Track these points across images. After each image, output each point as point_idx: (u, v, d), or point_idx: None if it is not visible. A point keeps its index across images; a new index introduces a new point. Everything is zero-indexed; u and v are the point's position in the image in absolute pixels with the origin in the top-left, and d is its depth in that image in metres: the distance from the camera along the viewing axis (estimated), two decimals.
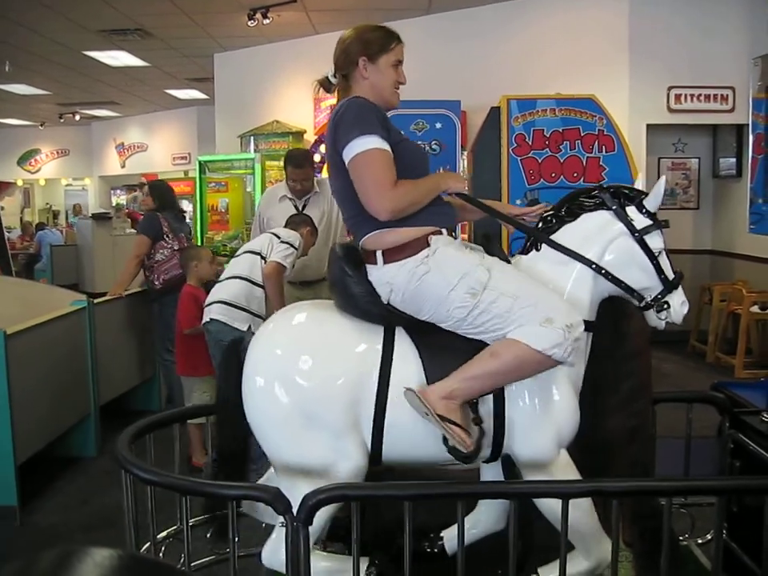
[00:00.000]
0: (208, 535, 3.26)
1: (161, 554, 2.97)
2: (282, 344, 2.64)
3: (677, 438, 4.00)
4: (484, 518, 2.92)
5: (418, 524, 2.87)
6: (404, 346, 2.57)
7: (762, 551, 2.39)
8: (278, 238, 4.44)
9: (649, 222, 2.68)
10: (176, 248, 5.86)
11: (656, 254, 2.67)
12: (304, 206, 5.00)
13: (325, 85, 2.76)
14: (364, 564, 2.65)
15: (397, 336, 2.59)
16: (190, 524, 2.62)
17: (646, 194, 2.71)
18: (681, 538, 3.30)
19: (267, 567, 2.62)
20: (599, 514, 2.92)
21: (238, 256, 4.62)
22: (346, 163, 2.50)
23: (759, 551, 2.50)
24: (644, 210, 2.69)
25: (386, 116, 2.61)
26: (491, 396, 2.53)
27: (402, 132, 2.73)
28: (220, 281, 4.56)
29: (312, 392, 2.50)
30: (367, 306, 2.58)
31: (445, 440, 2.43)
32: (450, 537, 2.93)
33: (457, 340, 2.54)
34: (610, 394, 3.00)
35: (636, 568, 3.09)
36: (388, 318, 2.59)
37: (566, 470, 2.60)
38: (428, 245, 2.52)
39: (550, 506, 2.51)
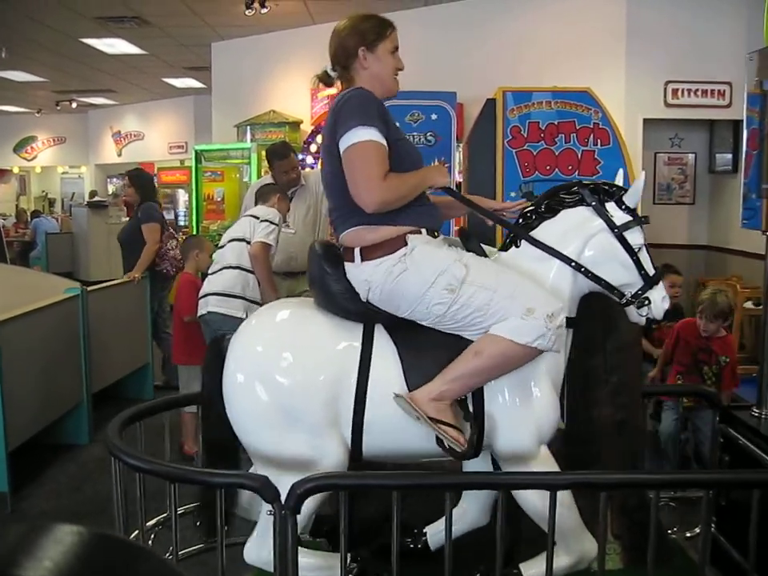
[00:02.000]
0: (197, 523, 3.27)
1: (149, 542, 2.97)
2: (263, 341, 2.64)
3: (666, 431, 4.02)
4: (468, 512, 2.91)
5: (401, 520, 2.89)
6: (383, 343, 2.57)
7: (749, 545, 2.39)
8: (257, 218, 4.45)
9: (629, 217, 2.67)
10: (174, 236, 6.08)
11: (636, 250, 2.66)
12: (290, 200, 4.99)
13: (324, 79, 2.76)
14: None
15: (376, 333, 2.58)
16: (179, 512, 2.62)
17: (626, 190, 2.71)
18: (669, 531, 3.31)
19: (250, 564, 2.61)
20: (587, 506, 2.94)
21: (222, 246, 4.62)
22: (341, 152, 2.49)
23: (747, 545, 2.51)
24: (624, 207, 2.68)
25: (387, 111, 2.60)
26: (470, 392, 2.53)
27: (401, 130, 2.73)
28: (211, 272, 4.57)
29: (291, 389, 2.50)
30: (346, 304, 2.58)
31: (439, 441, 2.43)
32: (432, 533, 2.93)
33: (435, 336, 2.54)
34: (600, 386, 3.02)
35: (624, 560, 3.10)
36: (367, 316, 2.59)
37: (546, 465, 2.60)
38: (405, 243, 2.51)
39: (530, 501, 2.51)
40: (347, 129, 2.46)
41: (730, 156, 8.42)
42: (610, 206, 2.68)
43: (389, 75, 2.68)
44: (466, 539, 2.83)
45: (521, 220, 2.75)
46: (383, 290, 2.51)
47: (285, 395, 2.50)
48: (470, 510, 2.91)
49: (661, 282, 2.72)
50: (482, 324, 2.46)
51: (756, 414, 3.08)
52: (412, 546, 2.94)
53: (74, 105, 17.30)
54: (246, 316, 4.27)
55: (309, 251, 2.73)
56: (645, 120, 7.85)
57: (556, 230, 2.68)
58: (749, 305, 7.30)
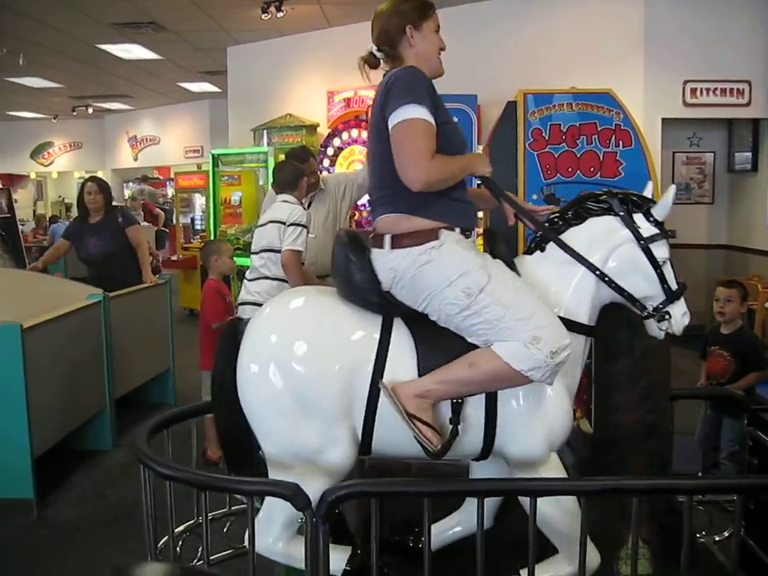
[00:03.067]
0: (225, 530, 3.28)
1: (178, 549, 2.98)
2: (279, 328, 2.62)
3: (694, 435, 3.99)
4: (471, 516, 2.89)
5: (404, 519, 2.88)
6: (401, 336, 2.55)
7: None
8: (283, 223, 4.40)
9: (656, 230, 2.65)
10: None
11: (660, 264, 2.65)
12: (309, 204, 4.98)
13: (370, 61, 2.71)
14: (347, 553, 2.65)
15: (395, 326, 2.57)
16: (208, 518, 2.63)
17: (655, 203, 2.69)
18: (698, 535, 3.29)
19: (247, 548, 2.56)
20: (617, 511, 2.93)
21: (263, 225, 4.57)
22: (390, 128, 2.47)
23: None
24: (651, 219, 2.66)
25: (437, 92, 2.58)
26: (483, 395, 2.52)
27: (449, 113, 2.69)
28: (250, 279, 4.53)
29: (307, 377, 2.50)
30: (367, 294, 2.57)
31: (416, 437, 2.42)
32: (436, 532, 2.90)
33: (453, 335, 2.53)
34: (628, 390, 3.00)
35: (653, 564, 3.09)
36: (387, 308, 2.58)
37: (555, 471, 2.59)
38: (437, 237, 2.51)
39: (540, 508, 2.47)
40: (397, 106, 2.45)
41: (749, 154, 8.38)
42: (638, 218, 2.66)
43: (434, 53, 2.69)
44: (468, 542, 2.80)
45: (548, 225, 2.74)
46: (405, 278, 2.50)
47: (300, 383, 2.49)
48: (473, 514, 2.89)
49: (682, 298, 2.70)
50: (486, 336, 2.44)
51: None
52: (412, 545, 2.94)
53: (91, 110, 17.36)
54: None
55: (335, 239, 2.72)
56: (663, 120, 7.84)
57: (582, 236, 2.66)
58: None
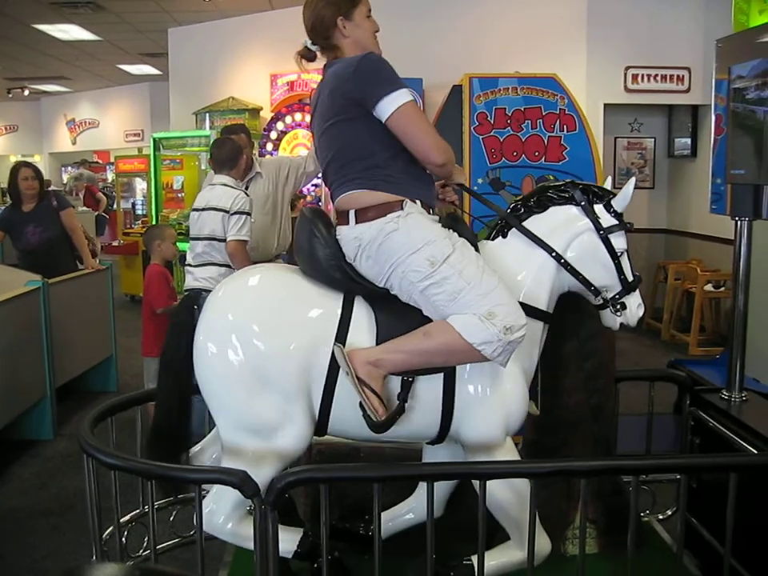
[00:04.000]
0: (171, 518, 3.24)
1: (124, 539, 2.92)
2: (239, 304, 2.60)
3: (637, 416, 4.06)
4: (422, 503, 2.89)
5: (355, 504, 2.87)
6: (362, 314, 2.55)
7: (723, 526, 2.42)
8: (227, 212, 4.34)
9: (615, 221, 2.72)
10: None
11: (618, 254, 2.71)
12: (246, 188, 4.91)
13: (306, 55, 2.71)
14: (298, 534, 2.65)
15: (356, 304, 2.58)
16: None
17: (614, 195, 2.74)
18: (642, 514, 3.35)
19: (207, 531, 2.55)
20: (564, 491, 2.96)
21: (200, 210, 4.51)
22: (389, 114, 2.47)
23: (718, 526, 2.54)
24: (611, 210, 2.72)
25: None
26: (441, 376, 2.53)
27: None
28: (195, 264, 4.48)
29: (266, 353, 2.47)
30: (330, 271, 2.57)
31: (361, 405, 2.42)
32: (386, 519, 2.90)
33: (414, 313, 2.53)
34: (574, 372, 3.04)
35: (599, 544, 3.14)
36: (349, 285, 2.58)
37: (509, 454, 2.61)
38: (401, 208, 2.53)
39: (493, 492, 2.49)
40: (386, 92, 2.47)
41: (688, 140, 8.53)
42: (598, 208, 2.73)
43: (370, 38, 2.68)
44: (418, 528, 2.80)
45: (510, 212, 2.77)
46: (371, 247, 2.51)
47: (259, 359, 2.47)
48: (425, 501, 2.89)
49: (637, 290, 2.76)
50: (444, 309, 2.45)
51: (726, 397, 3.12)
52: (362, 532, 2.94)
53: (26, 92, 16.96)
54: None
55: (299, 216, 2.73)
56: (605, 105, 7.93)
57: (544, 224, 2.72)
58: (709, 287, 7.43)
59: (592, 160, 4.58)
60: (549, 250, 2.68)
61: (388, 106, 2.48)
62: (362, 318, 2.55)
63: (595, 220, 2.70)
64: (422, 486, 2.83)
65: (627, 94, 8.01)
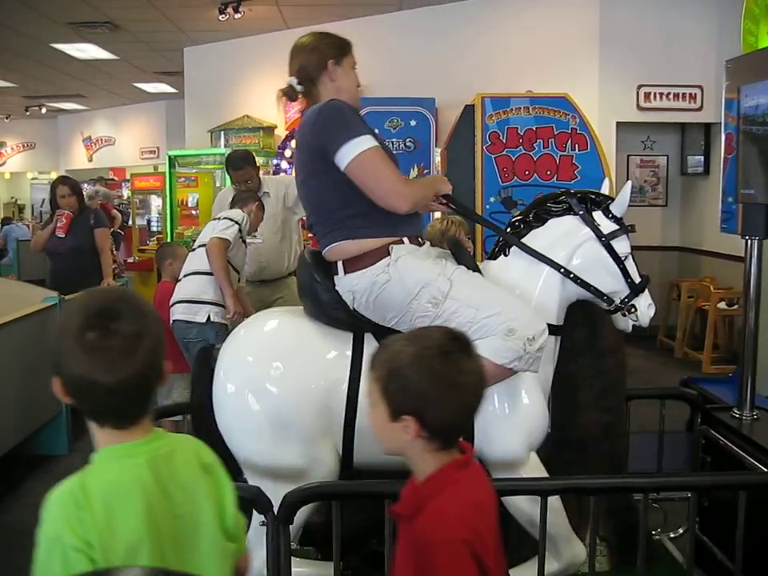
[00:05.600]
0: None
1: None
2: (253, 351, 2.63)
3: (649, 433, 4.06)
4: None
5: (376, 524, 2.87)
6: (373, 351, 2.56)
7: (734, 544, 2.42)
8: (218, 218, 4.42)
9: (615, 226, 2.72)
10: None
11: (622, 258, 2.71)
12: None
13: (289, 93, 2.72)
14: (316, 568, 2.64)
15: (366, 342, 2.59)
16: None
17: (613, 199, 2.74)
18: (653, 532, 3.35)
19: None
20: (575, 509, 2.96)
21: (193, 250, 4.60)
22: (345, 164, 2.45)
23: (729, 544, 2.54)
24: (610, 215, 2.72)
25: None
26: None
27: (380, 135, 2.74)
28: (181, 277, 4.55)
29: (284, 399, 2.49)
30: (336, 313, 2.58)
31: None
32: None
33: None
34: (585, 391, 3.04)
35: (611, 561, 3.13)
36: (356, 325, 2.59)
37: (535, 471, 2.62)
38: (388, 254, 2.51)
39: (520, 507, 2.51)
40: (343, 142, 2.44)
41: (701, 158, 8.53)
42: (597, 215, 2.72)
43: (354, 89, 2.71)
44: None
45: (509, 229, 2.77)
46: (368, 299, 2.51)
47: (277, 405, 2.49)
48: None
49: (646, 290, 2.76)
50: None
51: (737, 416, 3.12)
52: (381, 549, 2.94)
53: (44, 110, 17.09)
54: (209, 319, 4.25)
55: (299, 260, 2.74)
56: (618, 123, 7.94)
57: (545, 238, 2.71)
58: (722, 305, 7.40)
59: (603, 178, 4.60)
60: (554, 265, 2.68)
61: (345, 157, 2.45)
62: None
63: (595, 228, 2.70)
64: None
65: (640, 112, 8.02)
